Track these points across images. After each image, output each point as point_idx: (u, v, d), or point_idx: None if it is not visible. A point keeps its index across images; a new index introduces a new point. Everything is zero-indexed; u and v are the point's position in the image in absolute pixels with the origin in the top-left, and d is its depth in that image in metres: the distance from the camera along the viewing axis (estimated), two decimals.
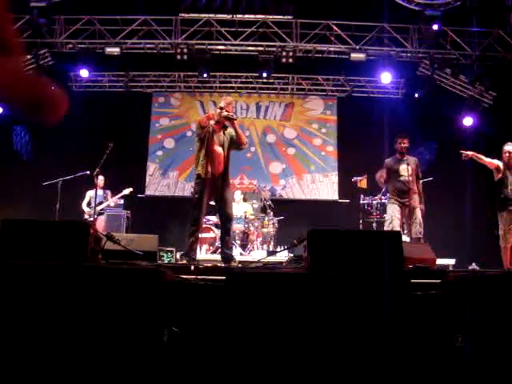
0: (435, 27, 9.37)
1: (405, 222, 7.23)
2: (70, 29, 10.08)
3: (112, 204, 9.71)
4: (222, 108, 5.60)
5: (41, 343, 2.49)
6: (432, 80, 11.00)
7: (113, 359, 2.47)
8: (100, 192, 9.05)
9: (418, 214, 6.95)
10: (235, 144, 5.73)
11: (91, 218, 8.71)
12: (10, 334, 2.51)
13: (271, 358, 2.51)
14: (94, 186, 8.78)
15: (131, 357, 2.46)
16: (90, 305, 2.57)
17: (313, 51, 10.63)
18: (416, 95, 11.28)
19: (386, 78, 10.69)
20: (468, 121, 11.17)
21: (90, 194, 9.38)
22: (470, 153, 6.86)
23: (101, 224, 9.30)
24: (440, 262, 7.31)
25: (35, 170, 10.95)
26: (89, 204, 9.41)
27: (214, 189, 5.59)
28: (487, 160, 6.99)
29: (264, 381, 2.49)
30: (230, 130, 5.73)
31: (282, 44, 10.42)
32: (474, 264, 7.82)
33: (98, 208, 9.14)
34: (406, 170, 6.96)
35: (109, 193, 9.66)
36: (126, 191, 9.68)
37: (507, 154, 6.86)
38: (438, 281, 3.04)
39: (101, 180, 8.98)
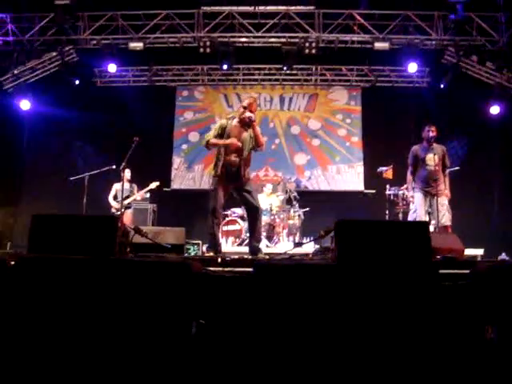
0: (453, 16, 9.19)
1: (430, 211, 7.15)
2: (93, 25, 10.16)
3: (138, 198, 9.78)
4: (245, 108, 5.58)
5: (70, 336, 2.54)
6: (458, 68, 10.80)
7: (141, 351, 2.50)
8: (126, 185, 9.12)
9: (445, 201, 6.86)
10: (254, 144, 5.67)
11: (118, 212, 8.80)
12: (41, 325, 2.56)
13: (298, 351, 2.51)
14: (120, 179, 8.88)
15: (159, 349, 2.49)
16: (119, 298, 2.60)
17: (336, 41, 10.52)
18: (441, 86, 11.08)
19: (412, 67, 10.50)
20: (495, 109, 10.94)
21: (116, 187, 9.47)
22: None
23: (128, 218, 9.38)
24: (468, 252, 7.21)
25: (62, 165, 11.11)
26: (115, 197, 9.50)
27: (231, 182, 5.59)
28: None
29: (290, 374, 2.49)
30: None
31: (305, 35, 10.34)
32: (503, 254, 7.71)
33: (125, 202, 9.21)
34: (432, 159, 6.88)
35: (135, 187, 9.73)
36: (153, 185, 9.72)
37: None
38: (467, 271, 3.01)
39: (127, 173, 9.07)
